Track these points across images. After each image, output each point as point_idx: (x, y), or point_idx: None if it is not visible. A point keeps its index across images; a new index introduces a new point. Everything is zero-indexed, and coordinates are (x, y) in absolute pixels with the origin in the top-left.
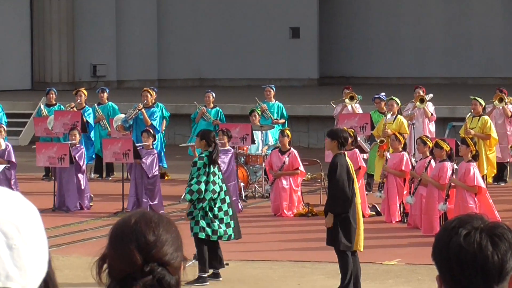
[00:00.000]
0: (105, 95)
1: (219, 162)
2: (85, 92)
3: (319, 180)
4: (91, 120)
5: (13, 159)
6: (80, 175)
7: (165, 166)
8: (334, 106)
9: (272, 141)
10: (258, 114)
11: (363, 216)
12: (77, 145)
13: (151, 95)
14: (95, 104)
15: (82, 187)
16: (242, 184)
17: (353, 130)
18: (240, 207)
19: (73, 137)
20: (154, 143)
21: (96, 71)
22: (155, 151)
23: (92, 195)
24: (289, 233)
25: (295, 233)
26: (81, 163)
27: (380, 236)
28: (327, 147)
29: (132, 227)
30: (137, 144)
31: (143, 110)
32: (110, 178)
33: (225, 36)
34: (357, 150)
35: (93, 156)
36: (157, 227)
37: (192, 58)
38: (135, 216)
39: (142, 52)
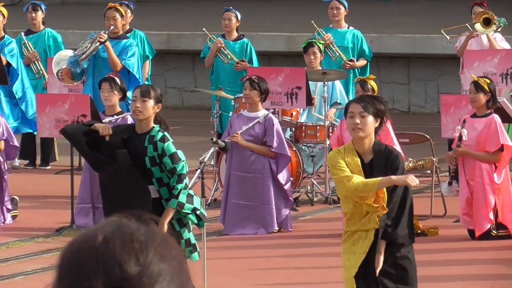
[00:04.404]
0: (39, 16)
1: (240, 137)
2: (4, 10)
3: (428, 171)
4: (14, 60)
5: None
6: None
7: None
8: (448, 37)
9: (342, 99)
10: (320, 50)
11: None
12: None
13: (122, 15)
14: (22, 33)
15: (3, 186)
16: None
17: (489, 81)
18: (289, 226)
19: None
20: (125, 102)
21: None
22: (129, 117)
23: (17, 198)
24: None
25: None
26: (11, 141)
27: None
28: None
29: (98, 250)
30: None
31: (107, 43)
32: (48, 168)
33: None
34: (496, 117)
35: (18, 125)
36: (143, 249)
37: None
38: (104, 231)
39: None
